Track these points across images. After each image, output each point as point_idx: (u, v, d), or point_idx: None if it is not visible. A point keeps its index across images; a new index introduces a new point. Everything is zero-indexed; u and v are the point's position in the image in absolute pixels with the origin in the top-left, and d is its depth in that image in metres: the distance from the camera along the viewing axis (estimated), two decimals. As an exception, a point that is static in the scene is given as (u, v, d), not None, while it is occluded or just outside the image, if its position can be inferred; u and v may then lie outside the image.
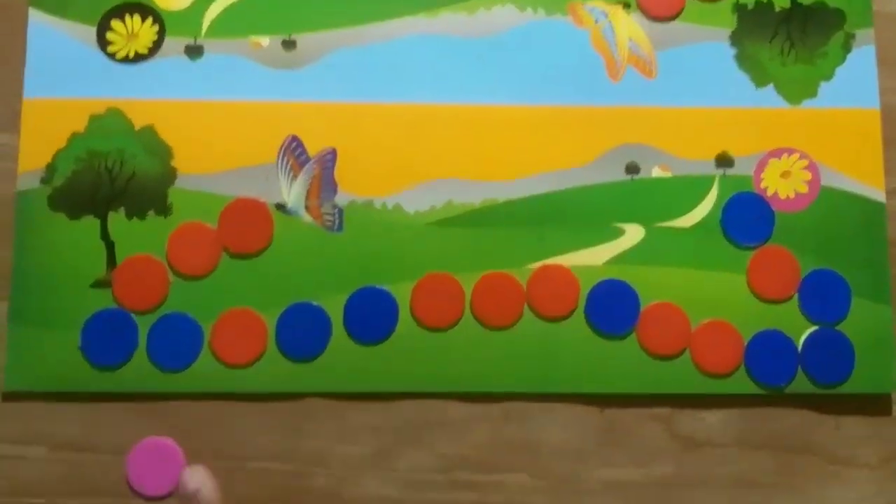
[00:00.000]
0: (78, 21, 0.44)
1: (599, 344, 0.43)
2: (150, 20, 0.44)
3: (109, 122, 0.43)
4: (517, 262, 0.43)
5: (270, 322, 0.42)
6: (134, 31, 0.44)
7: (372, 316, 0.42)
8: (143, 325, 0.42)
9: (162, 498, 0.41)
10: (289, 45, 0.44)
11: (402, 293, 0.43)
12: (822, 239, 0.44)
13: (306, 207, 0.43)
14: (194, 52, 0.44)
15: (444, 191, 0.44)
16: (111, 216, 0.43)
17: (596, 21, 0.45)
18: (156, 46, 0.44)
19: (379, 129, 0.44)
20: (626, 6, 0.45)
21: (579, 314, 0.43)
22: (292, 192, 0.43)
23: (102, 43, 0.44)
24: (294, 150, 0.43)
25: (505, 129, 0.44)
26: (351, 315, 0.42)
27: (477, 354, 0.42)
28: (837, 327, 0.43)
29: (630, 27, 0.45)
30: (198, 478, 0.39)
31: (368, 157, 0.44)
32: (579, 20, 0.45)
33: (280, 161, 0.43)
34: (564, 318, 0.43)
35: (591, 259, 0.43)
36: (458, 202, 0.44)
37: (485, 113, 0.44)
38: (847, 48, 0.45)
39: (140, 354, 0.42)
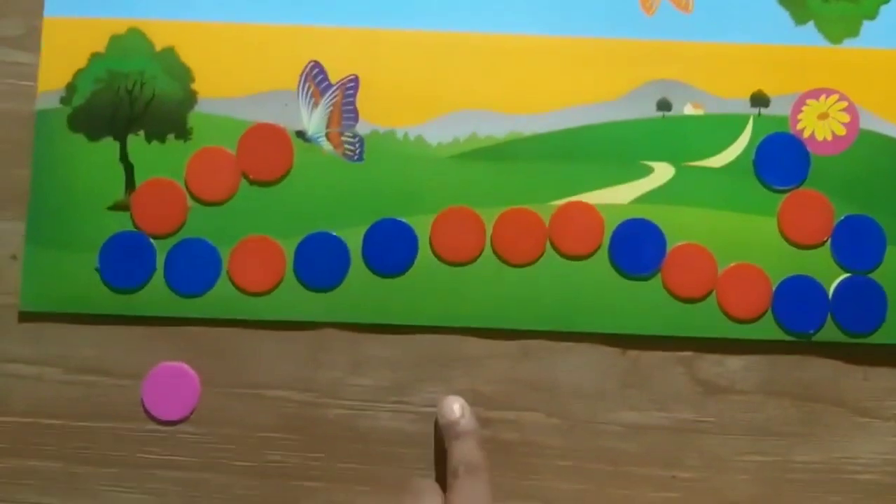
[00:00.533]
0: (101, -61, 0.43)
1: (623, 284, 0.42)
2: (173, -60, 0.43)
3: (130, 42, 0.43)
4: (541, 197, 0.42)
5: (289, 250, 0.42)
6: (157, -49, 0.43)
7: (391, 248, 0.42)
8: (161, 249, 0.42)
9: (177, 422, 0.41)
10: (314, -32, 0.43)
11: (422, 226, 0.42)
12: (859, 184, 0.42)
13: (327, 136, 0.42)
14: (217, -27, 0.43)
15: (468, 122, 0.42)
16: (130, 138, 0.42)
17: (632, -50, 0.43)
18: (178, -33, 0.43)
19: (402, 57, 0.43)
20: (664, -64, 0.43)
21: (603, 253, 0.42)
22: (313, 120, 0.42)
23: (123, -38, 0.43)
24: (315, 77, 0.43)
25: (532, 60, 0.43)
26: (370, 246, 0.42)
27: (496, 291, 0.42)
28: (871, 275, 0.42)
29: (667, -42, 0.43)
30: (458, 407, 0.39)
31: (391, 85, 0.43)
32: (614, -51, 0.43)
33: (301, 87, 0.42)
34: (587, 256, 0.42)
35: (618, 197, 0.42)
36: (482, 135, 0.42)
37: (512, 43, 0.43)
38: (894, -14, 0.43)
39: (157, 278, 0.41)
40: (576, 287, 0.42)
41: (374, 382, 0.41)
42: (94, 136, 0.42)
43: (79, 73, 0.42)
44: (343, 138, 0.42)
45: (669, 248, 0.42)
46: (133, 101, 0.42)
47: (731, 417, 0.42)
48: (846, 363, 0.42)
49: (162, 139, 0.42)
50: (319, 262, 0.42)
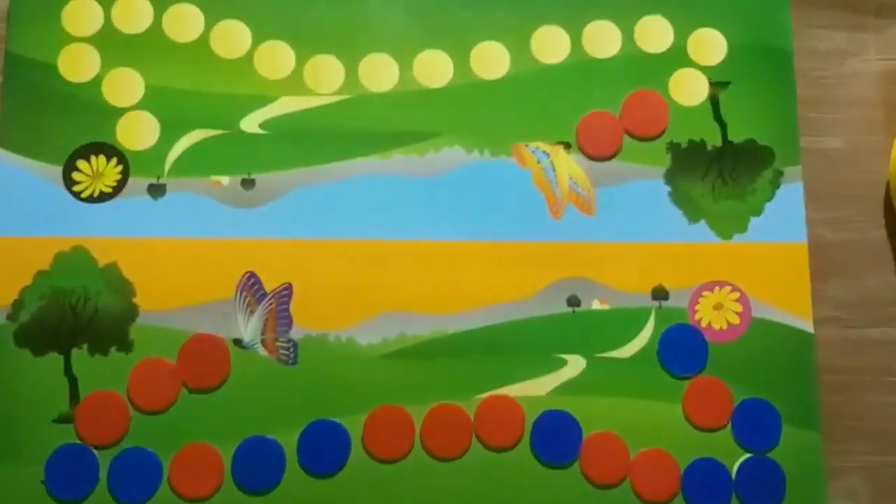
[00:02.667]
0: (45, 161, 0.46)
1: (544, 474, 0.45)
2: (114, 160, 0.46)
3: (74, 259, 0.45)
4: (465, 393, 0.45)
5: (227, 455, 0.44)
6: (99, 171, 0.46)
7: (325, 449, 0.44)
8: (105, 460, 0.43)
9: None
10: (248, 183, 0.47)
11: (355, 426, 0.44)
12: (753, 369, 0.46)
13: (262, 342, 0.45)
14: (157, 190, 0.46)
15: (396, 323, 0.46)
16: (74, 352, 0.44)
17: (538, 161, 0.48)
18: (120, 185, 0.46)
19: (334, 264, 0.46)
20: (567, 147, 0.48)
21: (525, 444, 0.45)
22: (249, 328, 0.45)
23: (68, 182, 0.46)
24: (251, 287, 0.46)
25: (453, 264, 0.46)
26: (305, 448, 0.44)
27: (427, 486, 0.44)
28: (769, 454, 0.46)
29: (570, 167, 0.48)
30: None
31: (323, 292, 0.46)
32: (522, 161, 0.48)
33: (238, 297, 0.45)
34: (510, 448, 0.45)
35: (536, 389, 0.46)
36: (409, 334, 0.46)
37: (434, 249, 0.47)
38: (776, 184, 0.48)
39: (101, 489, 0.43)
40: (501, 479, 0.44)
41: (312, 580, 0.43)
42: (38, 351, 0.44)
43: (25, 290, 0.45)
44: (278, 344, 0.45)
45: (585, 436, 0.45)
46: (77, 316, 0.45)
47: None
48: (753, 537, 0.45)
49: (105, 352, 0.44)
50: (256, 465, 0.44)
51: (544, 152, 0.48)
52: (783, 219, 0.48)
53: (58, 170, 0.46)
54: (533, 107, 0.48)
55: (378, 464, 0.44)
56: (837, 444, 0.46)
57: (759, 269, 0.47)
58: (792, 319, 0.47)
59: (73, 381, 0.44)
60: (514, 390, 0.46)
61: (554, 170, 0.48)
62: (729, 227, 0.48)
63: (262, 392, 0.45)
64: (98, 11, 0.48)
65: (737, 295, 0.47)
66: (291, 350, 0.45)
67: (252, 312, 0.45)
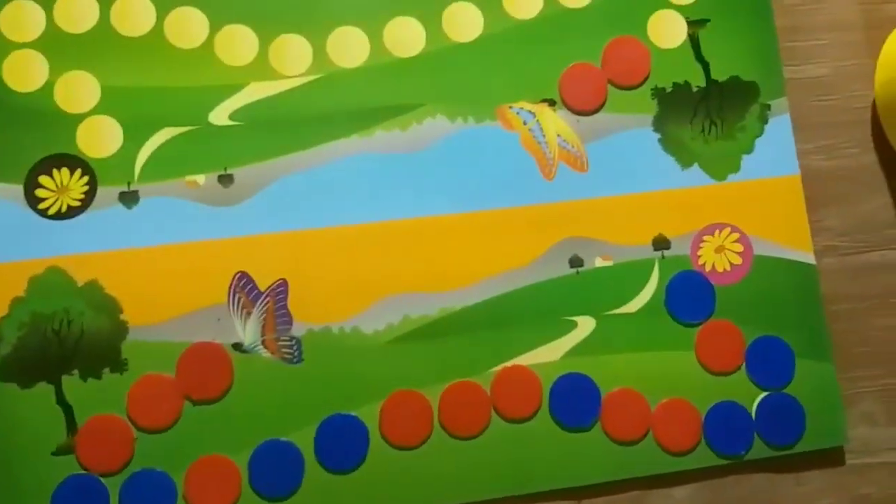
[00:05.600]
0: (3, 181, 0.43)
1: (567, 438, 0.44)
2: (78, 171, 0.43)
3: (50, 281, 0.43)
4: (478, 368, 0.44)
5: (242, 464, 0.42)
6: (64, 185, 0.43)
7: (343, 444, 0.43)
8: (114, 487, 0.41)
9: None
10: (226, 180, 0.44)
11: (371, 416, 0.43)
12: (761, 307, 0.46)
13: (263, 343, 0.43)
14: (129, 198, 0.44)
15: (399, 307, 0.44)
16: (65, 380, 0.42)
17: (524, 122, 0.46)
18: (88, 197, 0.43)
19: (327, 254, 0.44)
20: (552, 104, 0.46)
21: (544, 412, 0.44)
22: (247, 330, 0.43)
23: (32, 200, 0.43)
24: (244, 287, 0.43)
25: (450, 237, 0.45)
26: (322, 446, 0.43)
27: (450, 467, 0.43)
28: (786, 390, 0.46)
29: (557, 124, 0.46)
30: None
31: (320, 283, 0.44)
32: (508, 124, 0.46)
33: (231, 300, 0.43)
34: (530, 417, 0.44)
35: (549, 355, 0.45)
36: (414, 316, 0.44)
37: (429, 224, 0.45)
38: (764, 119, 0.48)
39: (113, 517, 0.41)
40: (524, 449, 0.44)
41: (347, 578, 0.42)
42: (26, 383, 0.42)
43: (1, 321, 0.42)
44: (280, 343, 0.43)
45: (603, 395, 0.45)
46: (62, 342, 0.42)
47: (684, 543, 0.45)
48: (778, 473, 0.45)
49: (98, 375, 0.42)
50: (274, 470, 0.42)
51: (530, 112, 0.46)
52: (774, 153, 0.48)
53: (18, 188, 0.43)
54: (512, 66, 0.46)
55: (399, 451, 0.43)
56: (850, 372, 0.46)
57: (756, 207, 0.47)
58: (793, 253, 0.47)
59: (68, 410, 0.42)
60: (527, 359, 0.45)
61: (542, 130, 0.46)
62: (722, 167, 0.47)
63: (270, 394, 0.43)
64: (39, 13, 0.44)
65: (737, 235, 0.47)
66: (295, 348, 0.43)
67: (248, 314, 0.43)
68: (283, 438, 0.42)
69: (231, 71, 0.45)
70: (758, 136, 0.48)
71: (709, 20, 0.48)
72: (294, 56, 0.45)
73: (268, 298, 0.44)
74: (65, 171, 0.43)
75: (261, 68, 0.45)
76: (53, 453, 0.41)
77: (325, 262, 0.44)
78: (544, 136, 0.46)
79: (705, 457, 0.45)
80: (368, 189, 0.45)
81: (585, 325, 0.45)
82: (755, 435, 0.45)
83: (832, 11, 0.49)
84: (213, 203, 0.44)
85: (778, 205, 0.47)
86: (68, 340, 0.42)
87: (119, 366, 0.42)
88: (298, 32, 0.45)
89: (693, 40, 0.48)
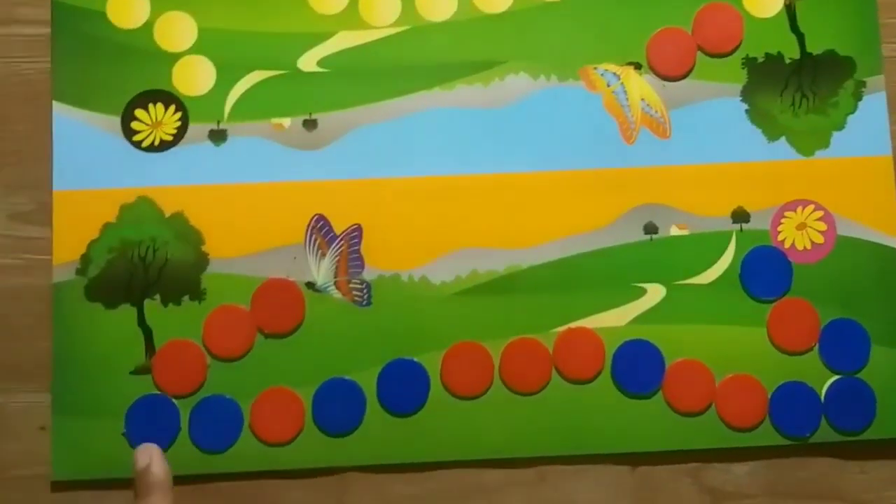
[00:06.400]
0: (102, 112, 0.45)
1: (627, 404, 0.44)
2: (172, 107, 0.45)
3: (140, 210, 0.45)
4: (543, 326, 0.44)
5: (307, 399, 0.43)
6: (158, 119, 0.45)
7: (404, 388, 0.44)
8: (185, 409, 0.43)
9: (213, 575, 0.43)
10: (310, 124, 0.45)
11: (433, 364, 0.44)
12: (840, 288, 0.45)
13: (335, 284, 0.44)
14: (218, 136, 0.45)
15: (468, 260, 0.45)
16: (147, 303, 0.44)
17: (608, 84, 0.46)
18: (180, 133, 0.45)
19: (402, 203, 0.45)
20: (638, 67, 0.46)
21: (606, 375, 0.44)
22: (321, 270, 0.44)
23: (128, 132, 0.45)
24: (321, 229, 0.45)
25: (524, 196, 0.45)
26: (384, 388, 0.44)
27: (508, 420, 0.44)
28: (858, 375, 0.44)
29: (642, 88, 0.46)
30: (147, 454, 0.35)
31: (393, 231, 0.45)
32: (591, 84, 0.46)
33: (308, 240, 0.45)
34: (591, 380, 0.44)
35: (615, 320, 0.45)
36: (482, 271, 0.45)
37: (504, 181, 0.45)
38: (858, 96, 0.46)
39: (183, 437, 0.43)
40: (583, 410, 0.44)
41: (400, 519, 0.43)
42: (111, 304, 0.44)
43: (92, 244, 0.44)
44: (351, 285, 0.44)
45: (668, 365, 0.44)
46: (147, 268, 0.44)
47: (740, 521, 0.44)
48: (843, 460, 0.44)
49: (178, 302, 0.44)
50: (337, 407, 0.43)
51: (614, 74, 0.46)
52: (867, 132, 0.46)
53: (116, 120, 0.45)
54: (599, 27, 0.46)
55: (458, 400, 0.44)
56: (930, 363, 0.45)
57: (843, 186, 0.45)
58: (879, 236, 0.45)
59: (147, 333, 0.44)
60: (592, 322, 0.44)
61: (625, 92, 0.46)
62: (810, 143, 0.46)
63: (338, 334, 0.44)
64: (145, -47, 0.46)
65: (820, 213, 0.45)
66: (365, 291, 0.44)
67: (323, 255, 0.45)
68: (348, 377, 0.44)
69: (322, 19, 0.46)
70: (850, 113, 0.46)
71: (808, -10, 0.46)
72: (383, 7, 0.46)
73: (342, 242, 0.45)
74: (160, 106, 0.45)
75: (350, 18, 0.46)
76: (132, 372, 0.44)
77: (399, 210, 0.45)
78: (628, 99, 0.46)
79: (768, 435, 0.44)
80: (447, 143, 0.45)
81: (655, 293, 0.45)
82: (822, 417, 0.44)
83: (941, -13, 0.47)
84: (297, 146, 0.45)
85: (866, 185, 0.45)
86: (153, 267, 0.44)
87: (198, 294, 0.44)
88: (389, -17, 0.46)
89: (790, 10, 0.46)
